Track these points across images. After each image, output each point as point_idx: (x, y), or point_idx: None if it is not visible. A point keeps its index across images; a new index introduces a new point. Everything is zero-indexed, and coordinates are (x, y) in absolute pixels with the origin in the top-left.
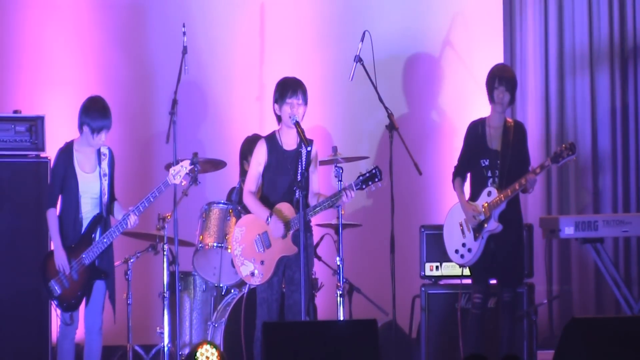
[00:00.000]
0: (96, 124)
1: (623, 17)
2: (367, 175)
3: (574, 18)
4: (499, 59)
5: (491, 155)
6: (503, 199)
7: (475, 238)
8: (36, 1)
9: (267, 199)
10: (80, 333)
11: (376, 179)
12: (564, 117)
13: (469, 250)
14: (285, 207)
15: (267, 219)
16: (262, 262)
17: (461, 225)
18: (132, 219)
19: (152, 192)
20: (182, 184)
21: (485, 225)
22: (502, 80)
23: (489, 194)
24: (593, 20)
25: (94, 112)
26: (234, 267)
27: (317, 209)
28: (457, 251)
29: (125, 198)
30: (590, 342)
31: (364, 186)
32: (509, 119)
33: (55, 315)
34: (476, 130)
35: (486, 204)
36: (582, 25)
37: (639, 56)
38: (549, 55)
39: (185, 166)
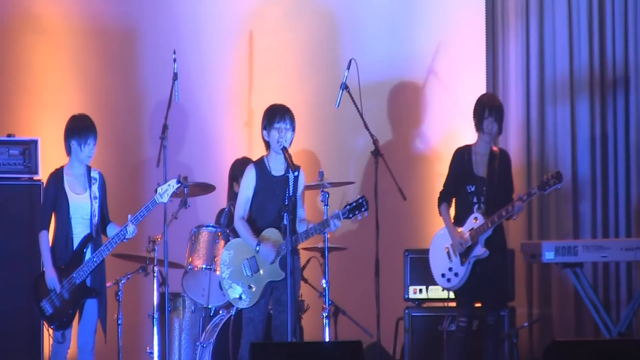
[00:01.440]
0: (82, 136)
1: (603, 47)
2: (354, 204)
3: (555, 47)
4: (482, 87)
5: (477, 182)
6: (490, 225)
7: (462, 263)
8: (32, 27)
9: (254, 223)
10: (72, 353)
11: (363, 209)
12: (545, 145)
13: (456, 274)
14: (272, 233)
15: (256, 248)
16: (249, 287)
17: (447, 249)
18: (131, 228)
19: (141, 211)
20: (173, 213)
21: (472, 250)
22: (492, 110)
23: (476, 219)
24: (574, 50)
25: (77, 126)
26: (221, 289)
27: (305, 236)
28: (443, 275)
29: (117, 221)
30: None
31: (350, 215)
32: (495, 147)
33: (48, 334)
34: (462, 156)
35: (473, 230)
36: (563, 55)
37: (618, 85)
38: (530, 83)
39: (172, 185)
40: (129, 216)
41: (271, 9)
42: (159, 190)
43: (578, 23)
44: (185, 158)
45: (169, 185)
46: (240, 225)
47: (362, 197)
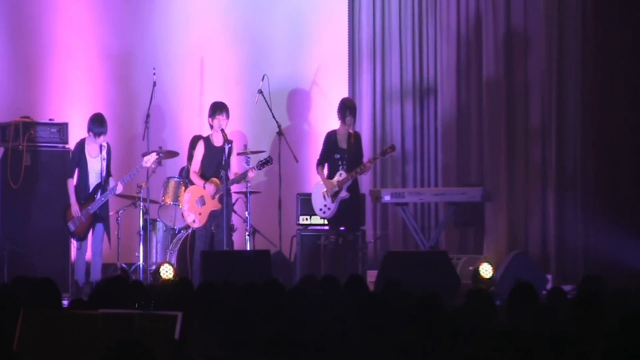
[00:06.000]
0: (97, 130)
1: (421, 68)
2: (264, 160)
3: (392, 68)
4: (345, 93)
5: (341, 152)
6: (349, 178)
7: (332, 201)
8: (62, 53)
9: (203, 175)
10: (87, 256)
11: (269, 163)
12: (385, 129)
13: (329, 209)
14: (214, 181)
15: (204, 185)
16: (199, 214)
17: (323, 193)
18: (119, 187)
19: (131, 172)
20: (152, 167)
21: (339, 194)
22: (351, 110)
23: (340, 175)
24: (403, 69)
25: (96, 123)
26: (183, 217)
27: (234, 181)
28: (321, 209)
29: (117, 174)
30: (399, 265)
31: (262, 167)
32: (351, 130)
33: (73, 244)
34: (331, 136)
35: (339, 181)
36: (396, 72)
37: (431, 93)
38: (376, 91)
39: (153, 155)
40: (120, 180)
41: (215, 40)
42: (145, 158)
43: (406, 51)
44: (160, 135)
45: (150, 156)
46: (194, 176)
47: (269, 156)
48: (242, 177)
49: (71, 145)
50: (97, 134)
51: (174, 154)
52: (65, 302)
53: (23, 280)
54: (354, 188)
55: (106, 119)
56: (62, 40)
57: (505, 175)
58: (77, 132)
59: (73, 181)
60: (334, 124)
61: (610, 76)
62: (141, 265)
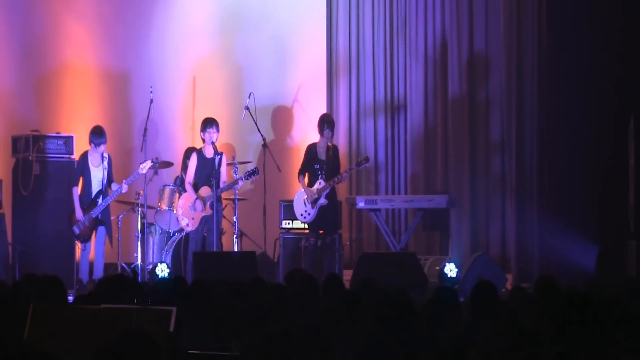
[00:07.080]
0: (96, 141)
1: (392, 86)
2: (251, 171)
3: (366, 86)
4: (324, 109)
5: (320, 162)
6: (328, 186)
7: (312, 207)
8: (67, 73)
9: (196, 185)
10: (91, 256)
11: (256, 174)
12: (360, 142)
13: (309, 214)
14: (205, 189)
15: (194, 201)
16: (192, 219)
17: (304, 200)
18: (125, 187)
19: (134, 174)
20: (149, 175)
21: (318, 200)
22: (329, 124)
23: (320, 183)
24: (376, 87)
25: (95, 134)
26: (177, 220)
27: (224, 189)
28: (302, 215)
29: (118, 181)
30: (372, 265)
31: (248, 177)
32: (330, 143)
33: (78, 246)
34: (312, 149)
35: (318, 189)
36: (370, 90)
37: (401, 109)
38: (352, 107)
39: (148, 163)
40: (124, 181)
41: (206, 62)
42: (141, 165)
43: (378, 71)
44: (156, 147)
45: (146, 163)
46: (188, 187)
47: (255, 167)
48: (230, 186)
49: (76, 156)
50: (97, 144)
51: (169, 164)
52: (70, 298)
53: (32, 278)
54: (331, 195)
55: (106, 131)
56: (69, 62)
57: (469, 183)
58: (82, 144)
59: (77, 189)
60: (314, 137)
61: (563, 94)
62: (139, 265)
